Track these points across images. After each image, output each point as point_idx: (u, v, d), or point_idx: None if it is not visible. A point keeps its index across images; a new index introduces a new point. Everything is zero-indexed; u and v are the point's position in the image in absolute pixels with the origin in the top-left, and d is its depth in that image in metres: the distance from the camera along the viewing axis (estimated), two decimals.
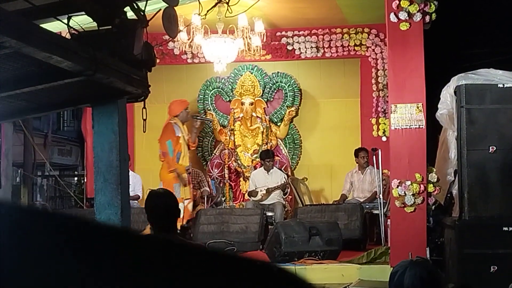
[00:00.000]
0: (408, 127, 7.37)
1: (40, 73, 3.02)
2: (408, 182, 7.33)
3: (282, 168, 10.68)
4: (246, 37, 9.60)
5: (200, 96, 11.36)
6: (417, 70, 7.44)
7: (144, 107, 3.73)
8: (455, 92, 7.44)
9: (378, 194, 8.87)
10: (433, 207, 7.78)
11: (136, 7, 3.70)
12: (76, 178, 13.08)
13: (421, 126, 7.34)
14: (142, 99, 3.84)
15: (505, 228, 7.06)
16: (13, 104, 3.27)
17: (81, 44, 2.92)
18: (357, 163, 10.18)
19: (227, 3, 7.06)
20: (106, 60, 3.21)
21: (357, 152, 10.12)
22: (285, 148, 11.21)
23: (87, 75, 3.08)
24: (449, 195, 8.10)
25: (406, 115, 7.35)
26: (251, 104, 11.00)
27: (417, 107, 7.33)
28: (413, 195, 7.32)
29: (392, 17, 7.51)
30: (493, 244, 7.04)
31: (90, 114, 10.87)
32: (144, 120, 3.69)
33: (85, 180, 11.37)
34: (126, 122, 3.79)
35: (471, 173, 7.26)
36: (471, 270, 6.86)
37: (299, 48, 10.85)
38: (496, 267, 6.97)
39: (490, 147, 7.17)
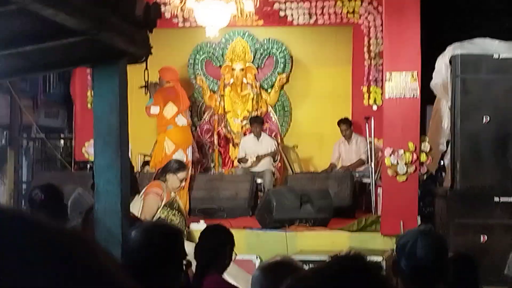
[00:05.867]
0: (402, 96, 7.33)
1: (43, 31, 2.93)
2: (401, 151, 7.32)
3: (272, 135, 10.65)
4: (239, 2, 9.48)
5: (190, 61, 11.25)
6: (413, 38, 7.37)
7: (146, 69, 3.66)
8: (450, 62, 7.41)
9: (368, 162, 8.87)
10: (424, 176, 7.79)
11: None
12: (63, 141, 12.95)
13: (415, 95, 7.30)
14: (143, 60, 3.77)
15: (496, 199, 7.11)
16: (14, 63, 3.19)
17: (87, 2, 2.83)
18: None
19: None
20: (110, 20, 3.13)
21: (338, 124, 10.08)
22: (275, 115, 11.15)
23: (92, 34, 3.00)
24: (440, 165, 8.12)
25: (401, 84, 7.31)
26: (242, 70, 10.92)
27: (412, 76, 7.29)
28: (405, 164, 7.32)
29: None
30: (484, 214, 7.09)
31: (79, 77, 10.89)
32: (146, 82, 3.62)
33: (73, 143, 11.28)
34: (127, 84, 3.71)
35: (464, 143, 7.27)
36: (461, 240, 6.90)
37: (292, 15, 10.72)
38: (486, 237, 7.02)
39: (484, 118, 7.17)
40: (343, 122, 10.05)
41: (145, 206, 6.04)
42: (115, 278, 0.67)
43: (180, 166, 6.48)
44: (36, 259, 0.63)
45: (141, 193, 6.30)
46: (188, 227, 7.26)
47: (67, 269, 0.64)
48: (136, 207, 6.03)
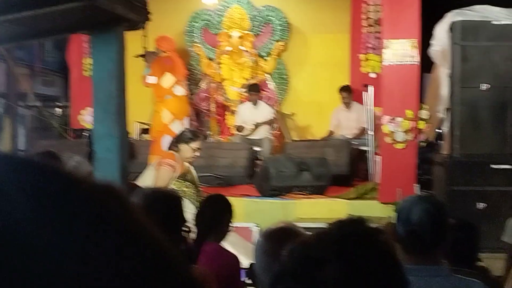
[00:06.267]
0: (401, 63, 7.29)
1: None
2: (400, 119, 7.30)
3: (269, 103, 10.61)
4: None
5: (187, 28, 11.17)
6: (412, 5, 7.31)
7: (145, 35, 3.63)
8: (450, 29, 7.35)
9: (366, 130, 8.85)
10: (422, 144, 7.78)
11: None
12: (59, 109, 12.89)
13: (414, 62, 7.26)
14: (141, 26, 3.73)
15: (494, 166, 7.10)
16: (10, 29, 3.14)
17: None
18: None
19: None
20: None
21: (339, 91, 10.04)
22: (272, 83, 11.11)
23: (88, 0, 2.96)
24: (439, 132, 8.10)
25: (400, 51, 7.26)
26: (239, 37, 10.85)
27: (411, 43, 7.24)
28: (404, 132, 7.31)
29: None
30: (482, 182, 7.09)
31: (75, 45, 10.81)
32: (144, 49, 3.59)
33: (69, 111, 11.25)
34: (125, 51, 3.67)
35: (463, 110, 7.25)
36: (459, 207, 6.90)
37: None
38: (484, 204, 7.03)
39: (483, 85, 7.14)
40: (344, 89, 10.00)
41: (158, 177, 5.95)
42: (155, 241, 0.61)
43: (194, 136, 6.22)
44: (61, 214, 0.57)
45: (155, 163, 6.22)
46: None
47: (98, 227, 0.58)
48: (149, 178, 5.99)
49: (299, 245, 1.18)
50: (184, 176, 6.10)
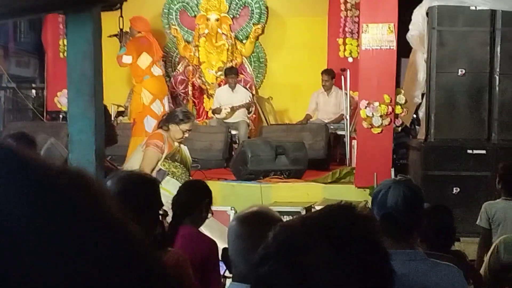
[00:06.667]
0: (378, 47, 7.29)
1: None
2: (376, 103, 7.31)
3: (247, 87, 10.59)
4: None
5: (165, 10, 11.08)
6: None
7: (121, 16, 3.58)
8: (427, 14, 7.37)
9: (345, 115, 8.86)
10: (399, 129, 7.81)
11: None
12: (34, 91, 12.75)
13: (392, 47, 7.27)
14: (117, 7, 3.68)
15: (469, 151, 7.16)
16: None
17: None
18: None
19: None
20: None
21: (321, 74, 10.03)
22: (250, 66, 11.07)
23: None
24: (415, 117, 8.14)
25: (378, 36, 7.26)
26: (217, 20, 10.79)
27: (389, 28, 7.24)
28: (380, 116, 7.32)
29: None
30: (457, 166, 7.15)
31: (51, 25, 10.68)
32: (121, 30, 3.54)
33: (45, 93, 11.13)
34: (101, 32, 3.62)
35: (439, 95, 7.29)
36: (434, 191, 6.96)
37: None
38: (458, 189, 7.09)
39: (460, 70, 7.17)
40: (326, 72, 9.97)
41: (144, 158, 5.87)
42: (123, 229, 0.60)
43: (184, 117, 6.07)
44: (23, 200, 0.55)
45: (142, 144, 6.12)
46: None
47: (65, 215, 0.57)
48: (137, 159, 5.92)
49: (284, 229, 1.17)
50: (173, 157, 6.01)
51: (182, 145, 6.18)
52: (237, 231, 2.30)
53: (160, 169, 5.99)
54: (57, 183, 0.58)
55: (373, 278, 1.11)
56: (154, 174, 5.97)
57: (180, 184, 5.61)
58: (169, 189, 5.78)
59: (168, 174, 5.99)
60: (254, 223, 2.21)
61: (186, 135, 6.09)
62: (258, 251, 1.14)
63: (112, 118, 10.01)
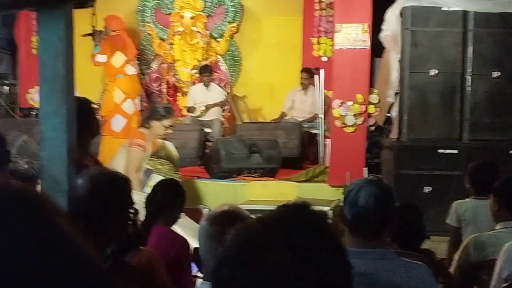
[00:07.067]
0: (352, 47, 7.33)
1: None
2: (350, 103, 7.35)
3: (221, 85, 10.58)
4: None
5: (140, 8, 11.04)
6: None
7: (94, 13, 3.56)
8: (400, 14, 7.42)
9: (319, 114, 8.88)
10: (372, 128, 7.86)
11: None
12: (7, 87, 12.60)
13: (365, 47, 7.31)
14: (90, 4, 3.65)
15: (441, 150, 7.23)
16: None
17: None
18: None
19: None
20: None
21: (301, 71, 10.04)
22: (224, 65, 11.07)
23: None
24: (388, 116, 8.20)
25: (351, 35, 7.30)
26: (192, 18, 10.77)
27: (363, 28, 7.28)
28: (354, 115, 7.36)
29: None
30: (429, 166, 7.22)
31: (23, 21, 10.57)
32: (93, 28, 3.52)
33: (18, 90, 11.01)
34: (73, 29, 3.59)
35: (412, 95, 7.35)
36: (406, 190, 7.02)
37: None
38: (430, 188, 7.16)
39: (432, 70, 7.24)
40: (305, 71, 9.97)
41: (128, 159, 5.83)
42: (76, 247, 0.61)
43: (166, 113, 6.03)
44: None
45: (125, 145, 6.07)
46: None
47: (20, 235, 0.57)
48: (120, 160, 5.88)
49: (243, 230, 1.18)
50: (157, 154, 5.96)
51: (167, 142, 6.14)
52: (208, 230, 2.30)
53: (147, 169, 5.96)
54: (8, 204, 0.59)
55: (332, 276, 1.12)
56: (141, 174, 5.94)
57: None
58: (152, 185, 5.78)
59: (154, 172, 5.97)
60: (224, 223, 2.22)
61: (169, 131, 6.06)
62: (217, 254, 1.14)
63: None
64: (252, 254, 1.10)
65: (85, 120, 4.03)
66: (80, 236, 0.62)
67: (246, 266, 1.09)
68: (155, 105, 6.86)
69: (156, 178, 5.82)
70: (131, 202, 2.63)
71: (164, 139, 6.11)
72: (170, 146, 6.18)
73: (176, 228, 4.25)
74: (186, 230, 4.67)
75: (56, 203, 0.63)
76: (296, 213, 1.18)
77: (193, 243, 3.98)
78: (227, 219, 2.25)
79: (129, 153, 5.86)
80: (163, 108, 6.19)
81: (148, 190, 5.80)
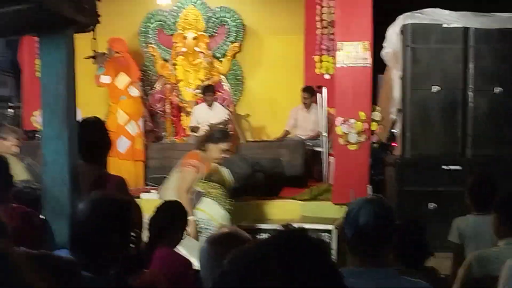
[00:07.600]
0: (354, 65, 7.35)
1: None
2: (352, 120, 7.36)
3: (224, 104, 10.62)
4: None
5: (142, 29, 11.10)
6: (365, 8, 7.36)
7: (94, 38, 3.60)
8: (401, 31, 7.46)
9: (320, 132, 8.89)
10: (375, 145, 7.87)
11: None
12: (11, 110, 12.67)
13: (366, 65, 7.33)
14: (91, 29, 3.70)
15: (444, 167, 7.24)
16: None
17: None
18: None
19: None
20: None
21: (302, 90, 10.08)
22: (227, 84, 11.11)
23: (37, 1, 2.93)
24: (391, 133, 8.21)
25: (352, 53, 7.33)
26: (194, 38, 10.83)
27: (363, 46, 7.31)
28: (357, 133, 7.37)
29: None
30: (432, 182, 7.22)
31: (27, 44, 10.64)
32: (94, 51, 3.56)
33: (22, 112, 11.07)
34: (74, 53, 3.64)
35: (414, 112, 7.37)
36: (410, 207, 7.02)
37: None
38: (434, 205, 7.15)
39: (434, 87, 7.26)
40: (306, 89, 10.01)
41: (180, 178, 5.82)
42: None
43: (223, 136, 6.09)
44: None
45: (177, 166, 6.07)
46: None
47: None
48: (172, 182, 5.87)
49: (240, 254, 1.19)
50: (209, 177, 5.94)
51: (221, 167, 6.12)
52: (208, 252, 2.32)
53: (198, 191, 5.93)
54: None
55: None
56: (192, 195, 5.92)
57: (217, 204, 5.60)
58: (203, 208, 5.77)
59: (205, 195, 5.93)
60: (223, 245, 2.24)
61: (224, 155, 6.07)
62: (213, 279, 1.16)
63: None
64: (249, 279, 1.11)
65: (102, 138, 4.08)
66: None
67: None
68: (212, 128, 6.85)
69: (206, 202, 5.82)
70: (132, 226, 2.65)
71: (218, 163, 6.10)
72: (224, 171, 6.15)
73: (182, 249, 4.26)
74: (191, 251, 4.67)
75: None
76: (292, 240, 1.19)
77: (198, 264, 3.99)
78: (227, 242, 2.27)
79: (182, 173, 5.87)
80: (220, 132, 6.29)
81: (198, 213, 5.80)
